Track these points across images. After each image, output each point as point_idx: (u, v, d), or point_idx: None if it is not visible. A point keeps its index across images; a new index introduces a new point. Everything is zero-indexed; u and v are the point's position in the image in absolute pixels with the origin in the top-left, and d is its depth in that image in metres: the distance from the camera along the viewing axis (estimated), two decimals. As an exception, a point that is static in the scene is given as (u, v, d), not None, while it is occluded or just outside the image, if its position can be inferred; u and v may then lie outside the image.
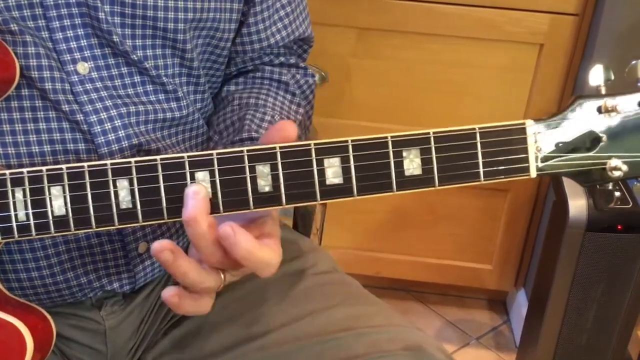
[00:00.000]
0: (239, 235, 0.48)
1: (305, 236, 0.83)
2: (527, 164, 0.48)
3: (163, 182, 0.51)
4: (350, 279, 0.74)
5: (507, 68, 1.35)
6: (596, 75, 0.48)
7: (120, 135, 0.60)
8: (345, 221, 1.49)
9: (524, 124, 0.48)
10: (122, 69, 0.61)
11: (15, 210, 0.52)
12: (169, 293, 0.50)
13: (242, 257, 0.49)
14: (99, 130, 0.59)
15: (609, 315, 1.21)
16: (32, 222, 0.52)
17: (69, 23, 0.58)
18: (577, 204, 1.14)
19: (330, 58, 1.35)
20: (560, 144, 0.48)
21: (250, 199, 0.51)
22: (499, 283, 1.57)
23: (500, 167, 0.48)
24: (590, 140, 0.48)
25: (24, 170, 0.51)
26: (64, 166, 0.51)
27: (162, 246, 0.48)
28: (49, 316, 0.58)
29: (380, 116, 1.40)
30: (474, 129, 0.48)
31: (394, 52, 1.36)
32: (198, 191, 0.49)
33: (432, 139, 0.48)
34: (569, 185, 1.15)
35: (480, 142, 0.48)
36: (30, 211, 0.52)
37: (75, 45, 0.58)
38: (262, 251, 0.49)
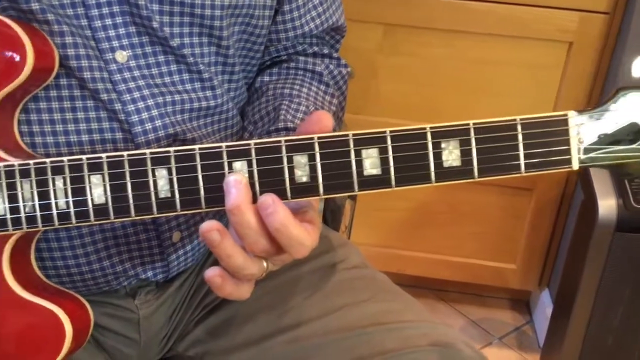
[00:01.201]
0: (277, 205, 0.49)
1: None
2: (569, 156, 0.48)
3: (201, 172, 0.52)
4: (380, 275, 0.74)
5: (535, 66, 1.34)
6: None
7: (157, 124, 0.60)
8: (369, 218, 1.49)
9: (566, 115, 0.48)
10: (160, 57, 0.61)
11: (55, 198, 0.52)
12: (213, 273, 0.51)
13: (276, 229, 0.49)
14: (137, 119, 0.59)
15: (636, 315, 1.20)
16: (72, 210, 0.52)
17: (107, 11, 0.58)
18: (607, 204, 1.12)
19: (356, 54, 1.35)
20: (603, 136, 0.47)
21: (288, 189, 0.51)
22: (522, 282, 1.56)
23: (542, 159, 0.48)
24: (633, 132, 0.47)
25: (65, 158, 0.52)
26: (103, 155, 0.52)
27: (210, 226, 0.49)
28: (86, 303, 0.58)
29: (406, 113, 1.40)
30: (515, 120, 0.48)
31: (420, 49, 1.35)
32: (240, 180, 0.49)
33: (472, 129, 0.48)
34: (598, 184, 1.14)
35: (522, 134, 0.48)
36: (70, 199, 0.52)
37: (113, 34, 0.59)
38: (296, 228, 0.50)
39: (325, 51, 0.76)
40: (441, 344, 0.63)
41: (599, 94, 1.35)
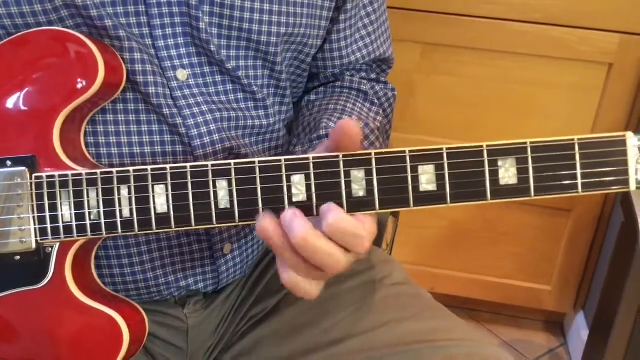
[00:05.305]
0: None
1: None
2: (626, 177, 0.48)
3: (260, 184, 0.53)
4: (424, 292, 0.74)
5: (575, 87, 1.34)
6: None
7: (215, 138, 0.62)
8: (402, 236, 1.49)
9: (624, 136, 0.48)
10: (217, 77, 0.63)
11: (120, 206, 0.54)
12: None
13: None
14: (196, 133, 0.61)
15: (676, 341, 1.18)
16: (135, 218, 0.54)
17: (170, 32, 0.61)
18: (647, 226, 1.11)
19: (394, 73, 1.36)
20: (661, 158, 0.48)
21: (344, 203, 0.52)
22: (557, 304, 1.55)
23: (599, 179, 0.48)
24: (692, 155, 0.47)
25: (130, 168, 0.54)
26: (167, 166, 0.54)
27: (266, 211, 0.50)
28: (142, 311, 0.60)
29: (444, 132, 1.40)
30: (573, 139, 0.48)
31: (458, 69, 1.36)
32: (294, 212, 0.50)
33: (529, 148, 0.49)
34: (639, 206, 1.13)
35: (579, 153, 0.48)
36: (134, 208, 0.54)
37: (175, 53, 0.61)
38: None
39: (373, 76, 0.78)
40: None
41: (638, 116, 1.34)
